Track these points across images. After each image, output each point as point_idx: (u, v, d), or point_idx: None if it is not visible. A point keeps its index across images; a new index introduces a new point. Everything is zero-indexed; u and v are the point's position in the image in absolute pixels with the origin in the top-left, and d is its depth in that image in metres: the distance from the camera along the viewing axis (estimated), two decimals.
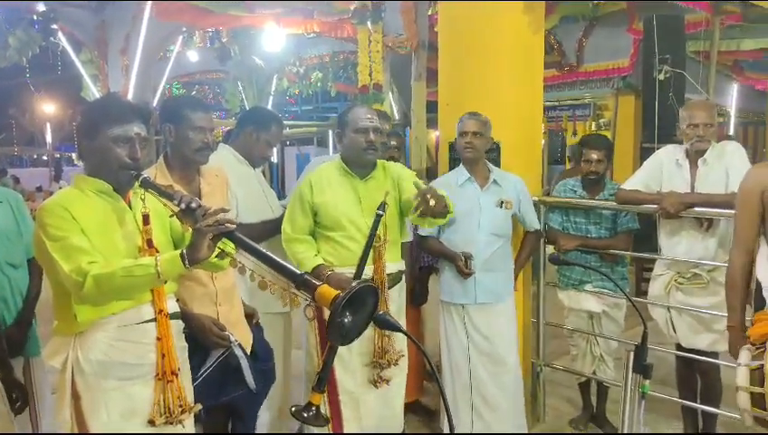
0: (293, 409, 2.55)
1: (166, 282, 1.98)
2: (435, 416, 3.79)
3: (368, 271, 2.82)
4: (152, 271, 1.83)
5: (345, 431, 2.90)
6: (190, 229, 1.91)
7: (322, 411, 2.79)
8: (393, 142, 3.71)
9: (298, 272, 1.69)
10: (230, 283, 2.61)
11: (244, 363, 2.53)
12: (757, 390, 2.17)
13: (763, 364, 2.18)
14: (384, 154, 3.62)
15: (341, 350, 2.80)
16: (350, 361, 2.88)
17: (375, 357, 2.89)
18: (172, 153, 2.56)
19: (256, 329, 2.75)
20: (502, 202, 3.25)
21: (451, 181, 3.33)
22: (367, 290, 1.62)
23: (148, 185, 1.97)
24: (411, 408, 3.69)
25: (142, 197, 1.99)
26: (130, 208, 2.05)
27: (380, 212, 2.76)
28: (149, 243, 2.00)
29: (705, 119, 3.12)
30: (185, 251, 1.84)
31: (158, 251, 2.00)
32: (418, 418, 3.83)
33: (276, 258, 1.75)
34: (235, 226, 1.87)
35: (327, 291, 1.60)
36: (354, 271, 2.78)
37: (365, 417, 2.93)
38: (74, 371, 1.94)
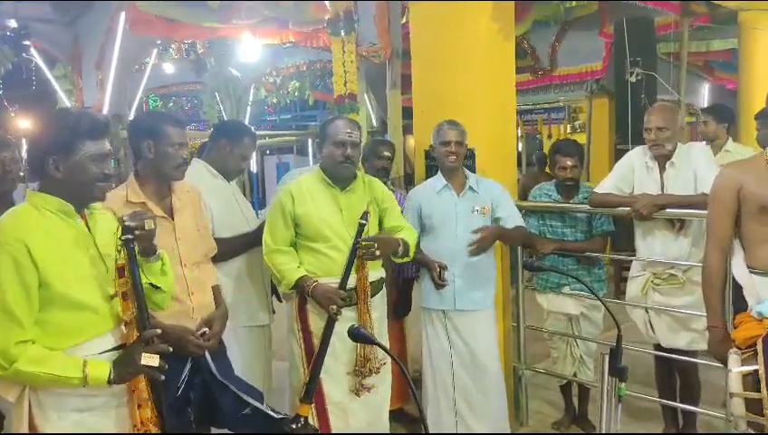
0: (280, 417, 2.56)
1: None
2: (418, 423, 3.79)
3: (351, 280, 2.85)
4: (77, 383, 1.85)
5: None
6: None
7: (310, 422, 2.81)
8: (386, 153, 3.73)
9: None
10: (207, 299, 2.60)
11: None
12: (754, 396, 2.13)
13: (756, 369, 2.15)
14: (377, 163, 3.65)
15: (327, 360, 2.82)
16: (336, 370, 2.89)
17: (357, 366, 2.89)
18: (147, 169, 2.51)
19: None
20: (477, 209, 3.28)
21: (428, 189, 3.36)
22: None
23: (129, 245, 1.96)
24: (395, 415, 3.69)
25: (118, 247, 1.98)
26: (89, 230, 1.99)
27: (363, 221, 2.82)
28: (122, 272, 1.98)
29: (659, 122, 3.15)
30: (112, 373, 1.88)
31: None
32: (402, 425, 3.83)
33: None
34: (164, 371, 1.94)
35: None
36: (339, 281, 2.81)
37: (353, 425, 2.93)
38: (31, 403, 1.89)
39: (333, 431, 2.89)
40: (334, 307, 2.75)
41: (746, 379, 2.19)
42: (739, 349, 2.28)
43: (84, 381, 1.84)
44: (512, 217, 3.33)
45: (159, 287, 2.09)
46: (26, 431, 1.89)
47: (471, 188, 3.30)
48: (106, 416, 1.98)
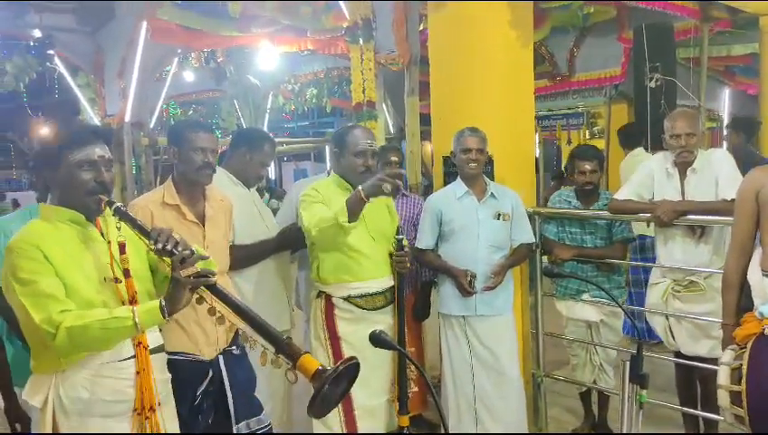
0: None
1: (143, 332, 1.93)
2: (437, 430, 3.79)
3: (382, 284, 2.94)
4: (129, 323, 1.80)
5: None
6: (166, 259, 1.86)
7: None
8: (394, 158, 3.75)
9: (281, 337, 1.64)
10: None
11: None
12: (734, 388, 2.23)
13: (742, 363, 2.23)
14: (385, 169, 3.67)
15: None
16: (368, 377, 2.88)
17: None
18: (178, 174, 2.62)
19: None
20: (499, 214, 3.29)
21: (449, 195, 3.37)
22: (352, 367, 1.58)
23: (122, 215, 1.91)
24: (414, 422, 3.69)
25: (118, 225, 1.94)
26: (103, 236, 2.00)
27: (400, 236, 2.91)
28: (126, 273, 1.95)
29: (687, 128, 3.14)
30: (163, 303, 1.82)
31: (132, 279, 1.95)
32: (421, 432, 3.83)
33: (257, 317, 1.70)
34: (215, 278, 1.84)
35: (309, 363, 1.54)
36: (367, 286, 2.90)
37: (379, 427, 2.99)
38: (55, 409, 1.90)
39: (360, 432, 2.93)
40: (388, 186, 2.60)
41: (734, 373, 2.27)
42: (738, 345, 2.34)
43: (135, 325, 1.79)
44: (522, 235, 3.36)
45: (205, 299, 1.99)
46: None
47: (492, 194, 3.31)
48: (127, 422, 1.98)
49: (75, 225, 1.95)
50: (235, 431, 2.56)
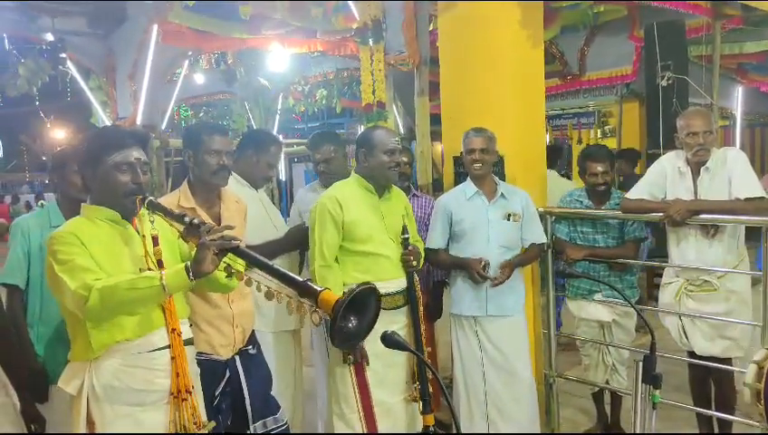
0: None
1: (171, 296, 2.00)
2: (450, 430, 3.79)
3: (401, 284, 2.98)
4: (157, 283, 1.86)
5: None
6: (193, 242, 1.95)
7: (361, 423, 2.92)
8: (404, 158, 3.76)
9: (300, 279, 1.71)
10: (246, 306, 2.65)
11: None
12: (755, 386, 2.22)
13: None
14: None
15: (375, 364, 2.91)
16: (385, 375, 2.96)
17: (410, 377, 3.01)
18: (194, 178, 2.65)
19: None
20: (509, 215, 3.28)
21: (459, 195, 3.36)
22: (368, 292, 1.64)
23: (154, 206, 2.01)
24: None
25: (151, 219, 2.03)
26: (139, 234, 2.09)
27: (407, 235, 2.97)
28: (160, 263, 2.03)
29: (704, 126, 3.12)
30: (189, 264, 1.88)
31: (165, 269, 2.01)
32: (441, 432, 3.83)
33: (280, 268, 1.79)
34: (239, 241, 1.91)
35: (329, 296, 1.62)
36: (386, 284, 2.89)
37: (398, 425, 3.02)
38: (89, 397, 1.98)
39: (380, 431, 2.96)
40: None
41: (762, 371, 2.24)
42: None
43: (163, 286, 1.86)
44: (533, 235, 3.35)
45: (235, 271, 2.06)
46: (84, 422, 1.98)
47: (502, 194, 3.31)
48: (157, 411, 2.04)
49: (113, 223, 2.05)
50: (251, 431, 2.58)
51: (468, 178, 3.38)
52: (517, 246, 3.33)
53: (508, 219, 3.28)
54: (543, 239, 3.42)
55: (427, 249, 3.36)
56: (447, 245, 3.37)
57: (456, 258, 3.32)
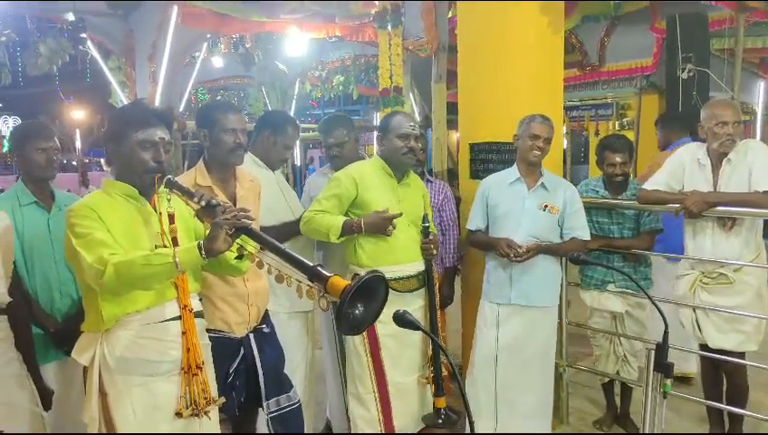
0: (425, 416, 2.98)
1: (183, 272, 2.03)
2: (460, 416, 3.79)
3: (417, 268, 3.06)
4: (170, 260, 1.89)
5: (394, 420, 3.05)
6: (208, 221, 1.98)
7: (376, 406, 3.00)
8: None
9: (310, 264, 1.73)
10: (261, 285, 2.68)
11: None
12: None
13: None
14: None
15: (390, 345, 2.98)
16: (400, 354, 3.03)
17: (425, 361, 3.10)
18: (209, 156, 2.67)
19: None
20: (546, 206, 3.20)
21: (502, 179, 3.32)
22: (377, 280, 1.64)
23: (172, 185, 2.05)
24: (436, 409, 3.70)
25: (168, 198, 2.06)
26: (156, 212, 2.12)
27: (426, 224, 3.05)
28: (175, 241, 2.06)
29: (734, 117, 3.09)
30: (202, 242, 1.91)
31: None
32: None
33: (291, 252, 1.80)
34: (252, 220, 1.93)
35: (338, 282, 1.63)
36: (400, 269, 3.01)
37: (410, 404, 3.10)
38: (101, 367, 2.01)
39: (393, 410, 3.04)
40: (390, 228, 2.91)
41: None
42: None
43: (175, 263, 1.88)
44: (573, 229, 3.24)
45: (246, 253, 2.08)
46: (96, 392, 2.01)
47: (543, 185, 3.22)
48: (169, 382, 2.08)
49: (131, 199, 2.09)
50: (265, 408, 2.61)
51: (516, 163, 3.29)
52: (549, 238, 3.21)
53: (544, 210, 3.20)
54: (585, 235, 3.27)
55: (467, 230, 3.42)
56: (487, 227, 3.33)
57: (488, 238, 3.29)
